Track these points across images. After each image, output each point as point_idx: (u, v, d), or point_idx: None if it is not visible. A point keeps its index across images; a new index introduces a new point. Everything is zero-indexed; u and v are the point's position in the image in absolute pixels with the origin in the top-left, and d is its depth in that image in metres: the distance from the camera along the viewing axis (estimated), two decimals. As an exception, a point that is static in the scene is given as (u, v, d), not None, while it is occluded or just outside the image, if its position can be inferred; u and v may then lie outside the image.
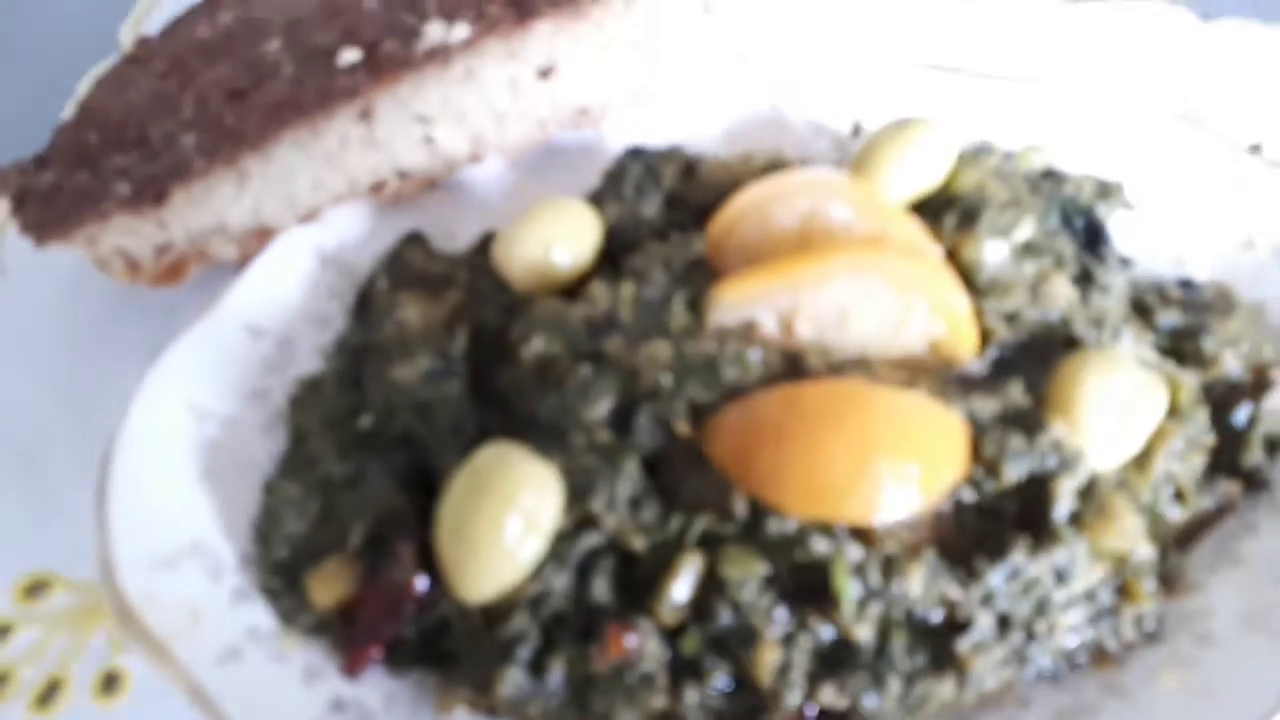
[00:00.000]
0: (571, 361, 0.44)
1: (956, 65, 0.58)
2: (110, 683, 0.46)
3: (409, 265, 0.50)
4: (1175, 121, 0.55)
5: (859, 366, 0.43)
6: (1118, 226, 0.54)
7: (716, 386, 0.42)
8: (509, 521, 0.40)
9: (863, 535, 0.40)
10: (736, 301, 0.44)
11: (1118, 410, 0.42)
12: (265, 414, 0.48)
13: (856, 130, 0.55)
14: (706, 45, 0.54)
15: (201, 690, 0.39)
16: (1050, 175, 0.54)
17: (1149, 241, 0.54)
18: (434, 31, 0.47)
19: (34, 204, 0.48)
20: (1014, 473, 0.41)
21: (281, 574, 0.43)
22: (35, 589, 0.49)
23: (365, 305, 0.50)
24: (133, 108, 0.51)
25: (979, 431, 0.42)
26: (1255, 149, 0.60)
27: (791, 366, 0.43)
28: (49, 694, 0.46)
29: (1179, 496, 0.45)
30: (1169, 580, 0.44)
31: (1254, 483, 0.46)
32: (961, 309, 0.44)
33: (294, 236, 0.51)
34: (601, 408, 0.42)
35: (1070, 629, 0.41)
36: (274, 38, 0.51)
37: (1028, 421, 0.42)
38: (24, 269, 0.58)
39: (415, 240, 0.52)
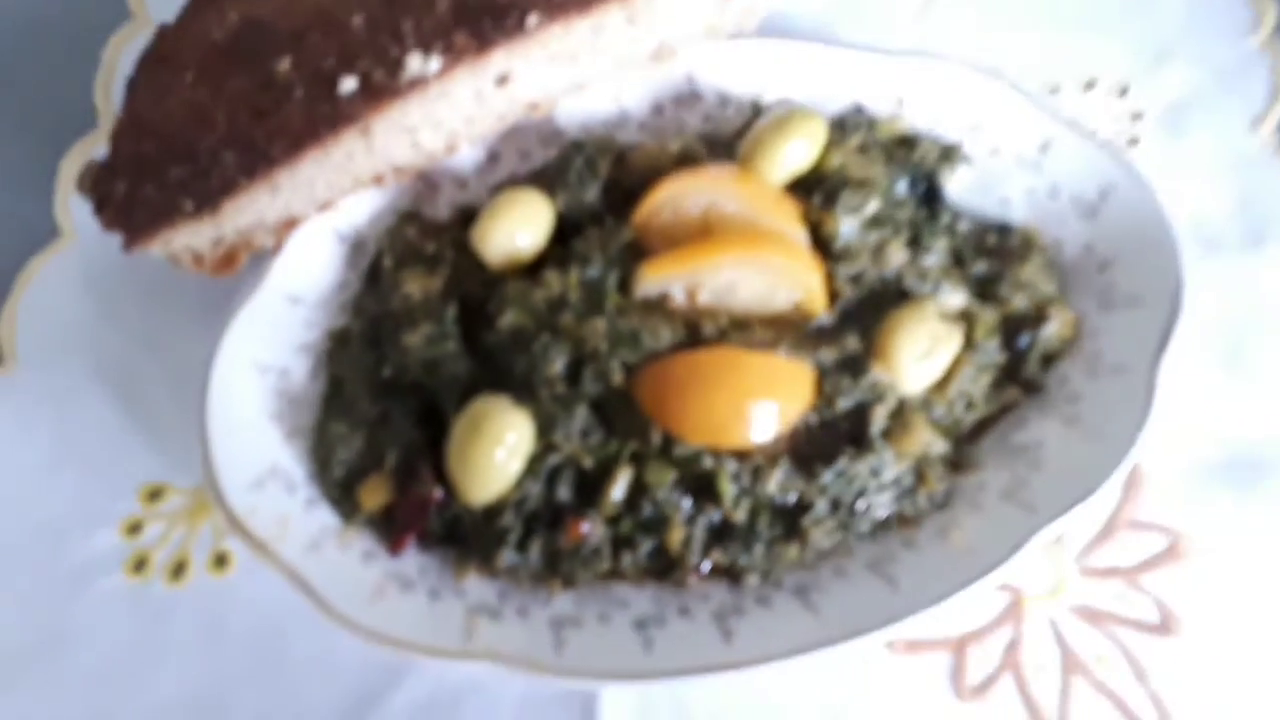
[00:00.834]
0: (536, 331, 0.59)
1: (838, 40, 0.71)
2: (221, 560, 0.64)
3: (407, 241, 0.65)
4: (1006, 88, 0.69)
5: (741, 329, 0.59)
6: (961, 177, 0.69)
7: (639, 351, 0.58)
8: (497, 453, 0.56)
9: (738, 453, 0.57)
10: (655, 280, 0.60)
11: (921, 354, 0.59)
12: (309, 364, 0.64)
13: (756, 109, 0.68)
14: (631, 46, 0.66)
15: (298, 574, 0.56)
16: (905, 141, 0.68)
17: (982, 186, 0.69)
18: (414, 63, 0.60)
19: (112, 210, 0.62)
20: (844, 404, 0.58)
21: (339, 487, 0.60)
22: (154, 494, 0.66)
23: (375, 277, 0.65)
24: (174, 118, 0.63)
25: (822, 374, 0.58)
26: (1055, 91, 0.74)
27: (692, 335, 0.58)
28: (178, 570, 0.64)
29: (970, 405, 0.62)
30: (958, 464, 0.61)
31: (1031, 388, 0.63)
32: (815, 284, 0.60)
33: (316, 224, 0.65)
34: (558, 366, 0.58)
35: (881, 505, 0.59)
36: (283, 56, 0.63)
37: (856, 366, 0.58)
38: (89, 231, 0.72)
39: (410, 218, 0.66)
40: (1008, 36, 0.78)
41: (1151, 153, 0.75)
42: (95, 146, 0.75)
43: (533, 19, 0.59)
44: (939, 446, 0.60)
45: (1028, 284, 0.64)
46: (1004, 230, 0.67)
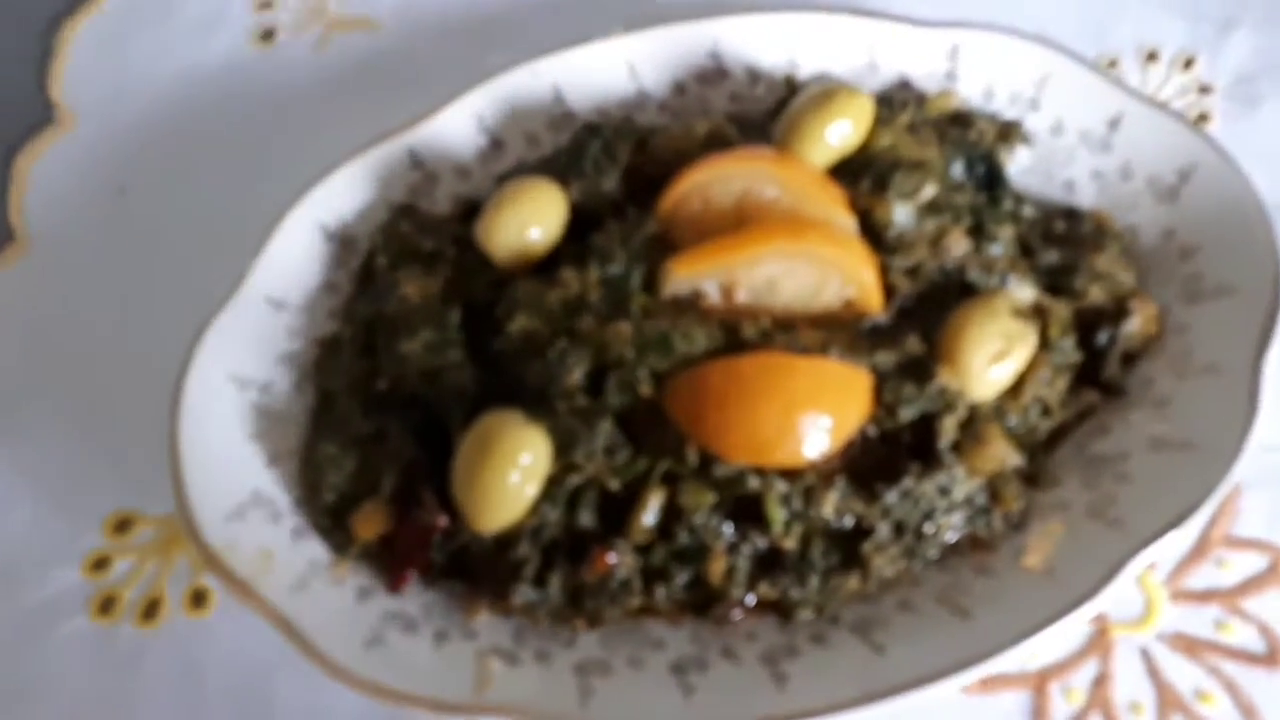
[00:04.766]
0: (551, 336, 0.53)
1: (878, 9, 0.64)
2: (199, 599, 0.57)
3: (403, 238, 0.58)
4: (1068, 58, 0.62)
5: (785, 330, 0.52)
6: (1019, 159, 0.62)
7: (670, 357, 0.51)
8: (510, 474, 0.49)
9: (788, 472, 0.50)
10: (685, 277, 0.53)
11: (993, 356, 0.52)
12: (294, 375, 0.57)
13: (791, 86, 0.62)
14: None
15: (284, 616, 0.49)
16: (958, 120, 0.61)
17: (1044, 169, 0.63)
18: None
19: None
20: (907, 414, 0.51)
21: (330, 515, 0.53)
22: (122, 525, 0.59)
23: (368, 277, 0.58)
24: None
25: (881, 380, 0.52)
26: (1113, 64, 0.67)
27: (730, 338, 0.52)
28: (150, 610, 0.57)
29: (1046, 411, 0.55)
30: (1034, 477, 0.54)
31: (1110, 391, 0.56)
32: (868, 278, 0.53)
33: (296, 214, 0.58)
34: (577, 375, 0.52)
35: (951, 528, 0.52)
36: None
37: (920, 371, 0.51)
38: (49, 240, 0.65)
39: (406, 212, 0.59)
40: (1058, 5, 0.71)
41: (1223, 129, 0.68)
42: (50, 144, 0.68)
43: None
44: (1015, 460, 0.53)
45: (1104, 274, 0.57)
46: (1072, 216, 0.60)
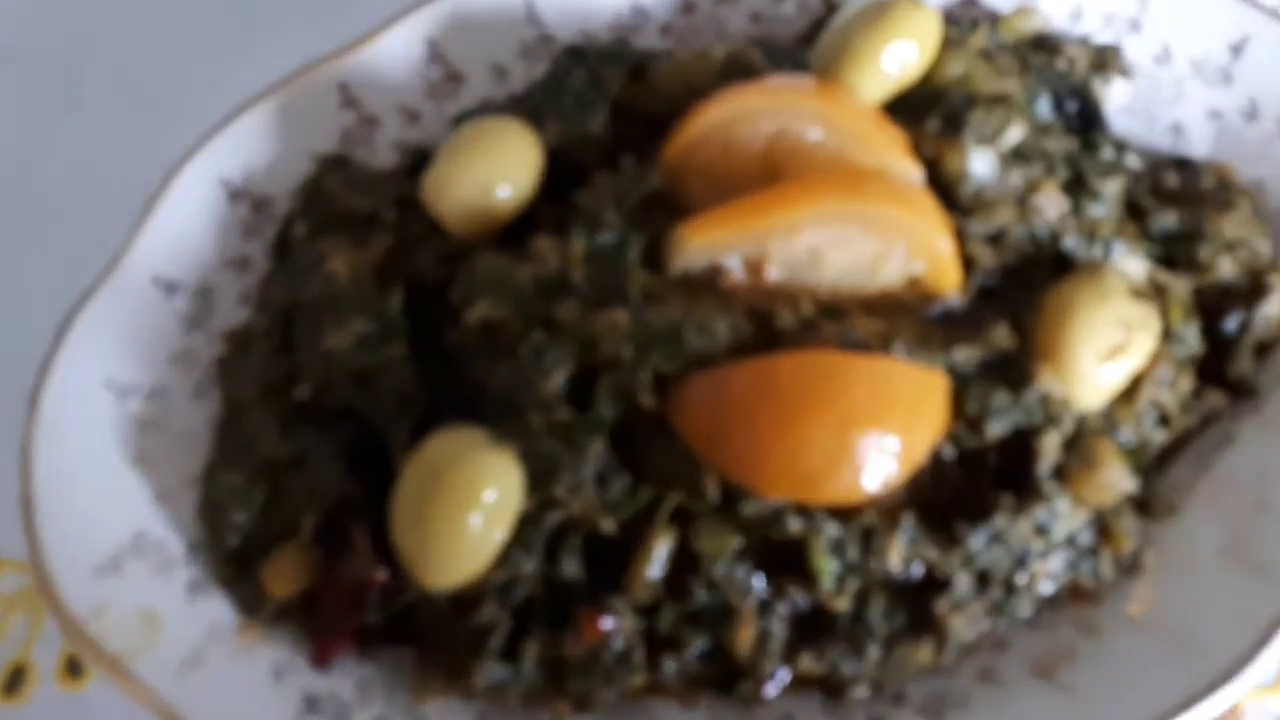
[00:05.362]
0: (521, 327, 0.41)
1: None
2: (74, 666, 0.45)
3: (330, 199, 0.46)
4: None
5: (833, 318, 0.40)
6: (1116, 94, 0.50)
7: (681, 356, 0.39)
8: (469, 517, 0.38)
9: (839, 510, 0.38)
10: (700, 248, 0.41)
11: (1107, 351, 0.40)
12: (194, 377, 0.46)
13: (829, 4, 0.49)
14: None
15: (168, 708, 0.38)
16: (1041, 45, 0.49)
17: (1145, 107, 0.50)
18: None
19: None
20: (997, 429, 0.40)
21: (235, 565, 0.42)
22: (-20, 570, 0.47)
23: (286, 251, 0.46)
24: None
25: (961, 384, 0.40)
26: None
27: (762, 330, 0.40)
28: (14, 681, 0.45)
29: (1163, 419, 0.44)
30: (1145, 504, 0.43)
31: (1240, 391, 0.45)
32: (944, 248, 0.40)
33: (192, 169, 0.45)
34: (558, 379, 0.40)
35: (1050, 576, 0.41)
36: None
37: (1012, 372, 0.40)
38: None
39: (336, 165, 0.47)
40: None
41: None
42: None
43: None
44: (1130, 485, 0.41)
45: (1235, 242, 0.45)
46: (1185, 167, 0.48)
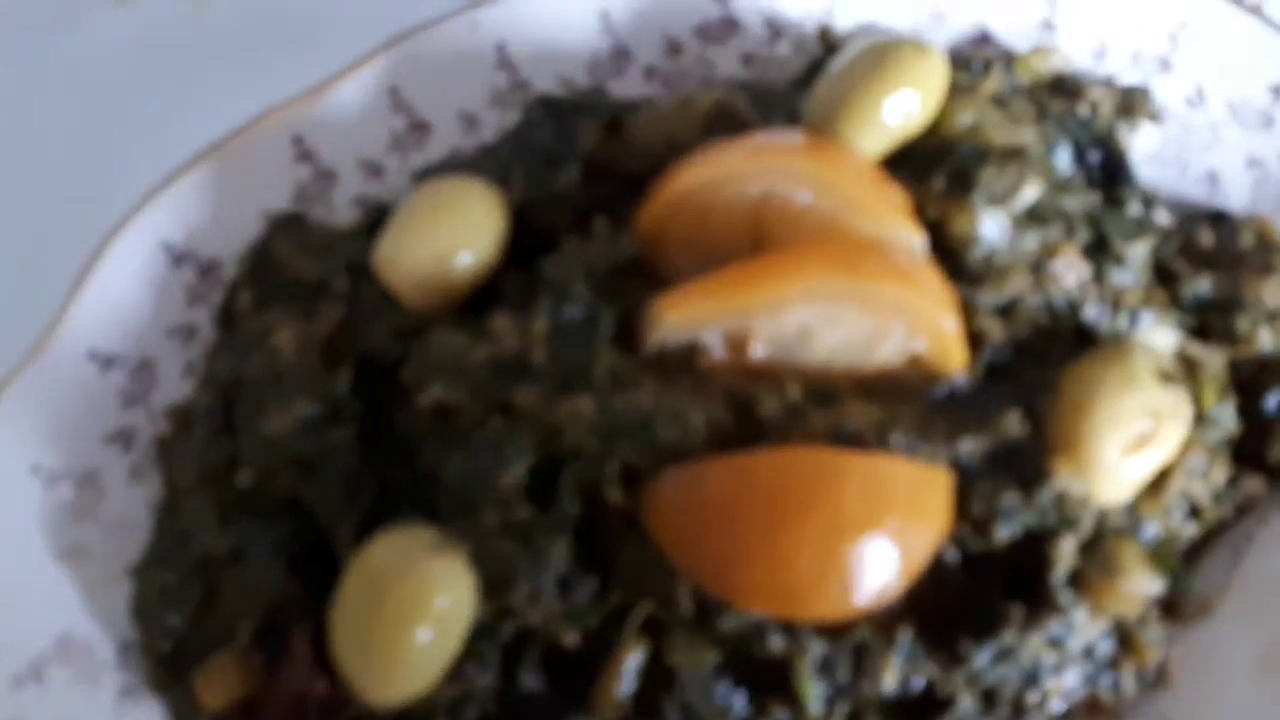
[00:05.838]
0: (478, 413, 0.37)
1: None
2: None
3: (278, 266, 0.42)
4: (1217, 2, 0.45)
5: (823, 404, 0.36)
6: (1144, 141, 0.45)
7: (652, 448, 0.35)
8: (416, 631, 0.34)
9: (829, 627, 0.34)
10: (678, 324, 0.37)
11: (1133, 443, 0.36)
12: (131, 459, 0.42)
13: (828, 44, 0.44)
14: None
15: None
16: (1061, 88, 0.44)
17: (1177, 154, 0.46)
18: None
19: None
20: (1006, 532, 0.35)
21: (167, 670, 0.38)
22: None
23: (230, 323, 0.42)
24: None
25: (966, 480, 0.35)
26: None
27: (742, 418, 0.35)
28: None
29: (1194, 511, 0.39)
30: (1175, 605, 0.39)
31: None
32: (947, 326, 0.36)
33: (132, 232, 0.42)
34: (516, 472, 0.36)
35: (1064, 693, 0.36)
36: None
37: (1024, 467, 0.35)
38: None
39: (288, 226, 0.43)
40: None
41: None
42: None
43: None
44: (1155, 588, 0.36)
45: (1277, 311, 0.40)
46: (1221, 222, 0.44)
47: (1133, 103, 0.45)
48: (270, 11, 0.54)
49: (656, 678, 0.36)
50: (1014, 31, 0.47)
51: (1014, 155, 0.40)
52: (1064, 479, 0.35)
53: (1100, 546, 0.36)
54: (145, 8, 0.55)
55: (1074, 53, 0.47)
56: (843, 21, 0.47)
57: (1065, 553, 0.36)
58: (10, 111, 0.53)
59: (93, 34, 0.54)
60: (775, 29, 0.47)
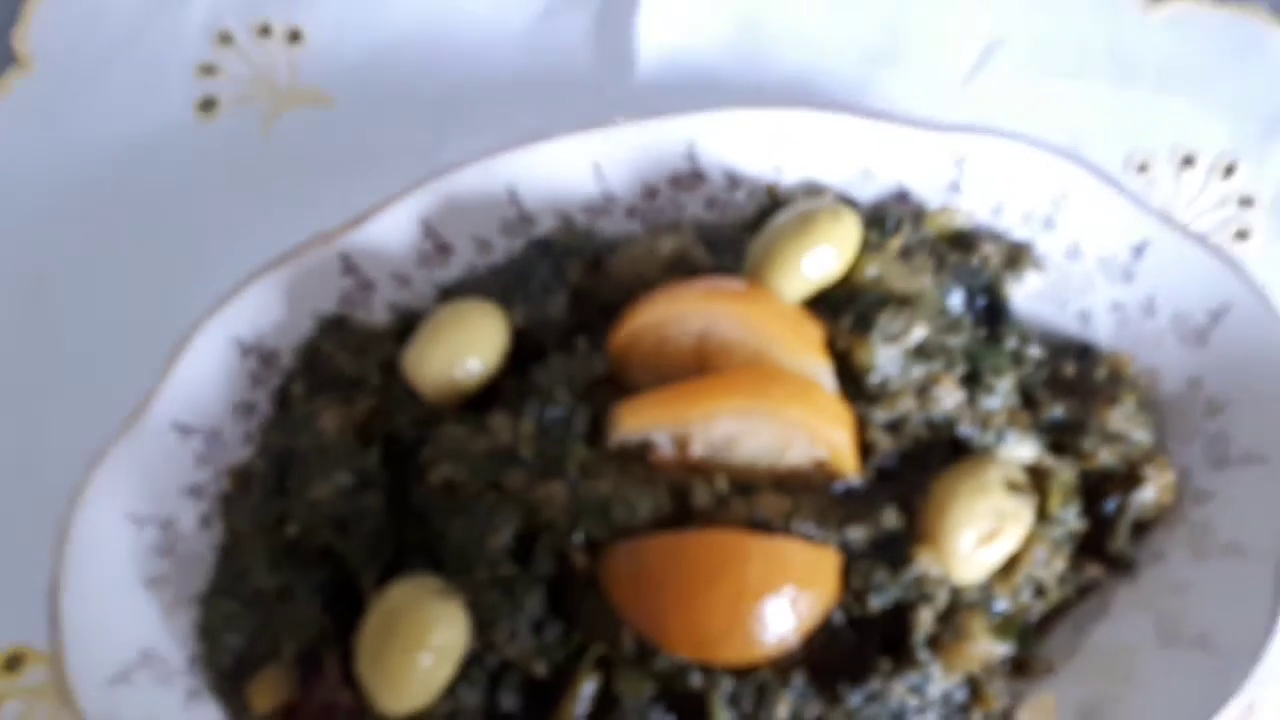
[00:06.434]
0: (476, 489, 0.47)
1: (874, 108, 0.57)
2: None
3: (325, 361, 0.52)
4: (1089, 171, 0.55)
5: (744, 494, 0.46)
6: (1029, 284, 0.55)
7: (608, 525, 0.45)
8: (420, 658, 0.44)
9: (739, 669, 0.44)
10: (634, 426, 0.47)
11: (981, 538, 0.45)
12: (201, 508, 0.51)
13: (774, 198, 0.55)
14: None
15: None
16: (960, 241, 0.55)
17: (1056, 296, 0.56)
18: None
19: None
20: (879, 602, 0.45)
21: (227, 679, 0.48)
22: (14, 661, 0.53)
23: (285, 403, 0.52)
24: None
25: (851, 560, 0.45)
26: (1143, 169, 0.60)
27: (679, 504, 0.45)
28: None
29: (1040, 591, 0.49)
30: (1023, 664, 0.48)
31: (1117, 565, 0.50)
32: (841, 441, 0.46)
33: (212, 331, 0.52)
34: (504, 537, 0.46)
35: (924, 731, 0.46)
36: None
37: (895, 552, 0.45)
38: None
39: (334, 326, 0.53)
40: (1081, 100, 0.65)
41: (1266, 248, 0.61)
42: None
43: None
44: (1000, 653, 0.46)
45: (1116, 434, 0.51)
46: (1085, 356, 0.54)
47: (1018, 256, 0.54)
48: (323, 139, 0.64)
49: (605, 703, 0.45)
50: (927, 189, 0.56)
51: (908, 302, 0.50)
52: (924, 563, 0.45)
53: (954, 617, 0.45)
54: (222, 126, 0.65)
55: (976, 209, 0.56)
56: (789, 176, 0.57)
57: (924, 620, 0.45)
58: (106, 218, 0.62)
59: (178, 151, 0.64)
60: (733, 180, 0.57)
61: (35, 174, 0.63)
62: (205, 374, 0.52)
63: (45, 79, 0.66)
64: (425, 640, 0.44)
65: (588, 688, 0.45)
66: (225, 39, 0.67)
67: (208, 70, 0.66)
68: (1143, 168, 0.63)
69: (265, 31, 0.67)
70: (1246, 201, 0.62)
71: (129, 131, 0.64)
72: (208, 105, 0.65)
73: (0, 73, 0.66)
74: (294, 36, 0.67)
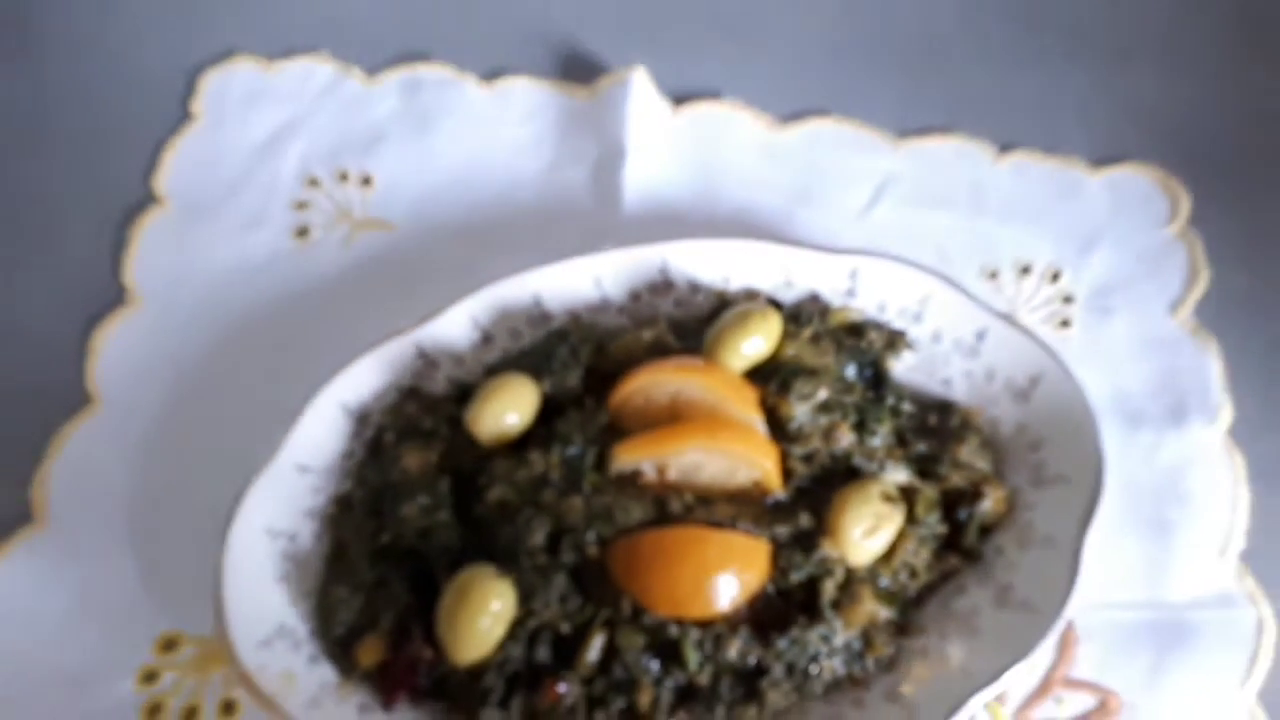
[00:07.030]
0: (520, 505, 0.65)
1: (795, 235, 0.79)
2: (229, 708, 0.69)
3: (407, 418, 0.72)
4: (946, 282, 0.76)
5: (705, 504, 0.65)
6: (905, 360, 0.77)
7: (612, 526, 0.64)
8: (482, 620, 0.60)
9: (702, 622, 0.62)
10: (628, 459, 0.66)
11: (865, 531, 0.65)
12: (315, 527, 0.69)
13: (722, 301, 0.76)
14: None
15: None
16: (854, 329, 0.76)
17: (926, 368, 0.77)
18: None
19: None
20: (797, 576, 0.63)
21: (339, 646, 0.65)
22: (169, 644, 0.71)
23: (377, 449, 0.72)
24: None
25: (777, 549, 0.65)
26: (993, 276, 0.82)
27: (660, 511, 0.64)
28: (189, 716, 0.70)
29: (913, 574, 0.69)
30: (904, 627, 0.67)
31: (970, 557, 0.69)
32: (770, 466, 0.66)
33: (324, 398, 0.72)
34: (539, 538, 0.64)
35: (833, 669, 0.64)
36: None
37: (808, 542, 0.64)
38: (119, 402, 0.79)
39: (411, 394, 0.74)
40: (949, 227, 0.86)
41: (1081, 333, 0.82)
42: (122, 321, 0.82)
43: None
44: (885, 614, 0.66)
45: (965, 464, 0.71)
46: (944, 410, 0.74)
47: (895, 340, 0.72)
48: (389, 256, 0.84)
49: (610, 652, 0.59)
50: (831, 293, 0.74)
51: (816, 373, 0.70)
52: (827, 550, 0.64)
53: (850, 587, 0.63)
54: (313, 248, 0.84)
55: (866, 307, 0.74)
56: (734, 285, 0.76)
57: (829, 589, 0.63)
58: (231, 321, 0.81)
59: (282, 267, 0.83)
60: (694, 288, 0.75)
61: (177, 287, 0.84)
62: (319, 429, 0.70)
63: (177, 213, 0.87)
64: (485, 609, 0.60)
65: (598, 641, 0.60)
66: (314, 182, 0.88)
67: (301, 205, 0.87)
68: (993, 275, 0.85)
69: (344, 177, 0.89)
70: (1068, 299, 0.84)
71: (243, 253, 0.85)
72: (302, 232, 0.86)
73: (144, 208, 0.87)
74: (365, 180, 0.89)
